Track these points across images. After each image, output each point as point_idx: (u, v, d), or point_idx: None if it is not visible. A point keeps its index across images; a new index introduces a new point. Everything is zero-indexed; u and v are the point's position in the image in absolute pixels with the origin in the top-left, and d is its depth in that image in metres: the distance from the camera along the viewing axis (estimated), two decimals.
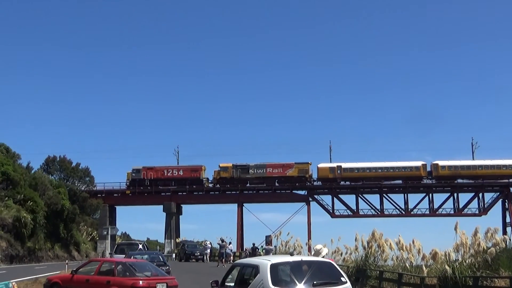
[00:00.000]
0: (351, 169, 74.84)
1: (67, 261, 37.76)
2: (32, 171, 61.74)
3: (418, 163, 74.91)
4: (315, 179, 76.59)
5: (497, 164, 73.20)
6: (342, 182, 76.09)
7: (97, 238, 70.97)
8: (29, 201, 49.85)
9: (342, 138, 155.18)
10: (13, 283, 9.27)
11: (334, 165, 74.95)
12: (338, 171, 74.19)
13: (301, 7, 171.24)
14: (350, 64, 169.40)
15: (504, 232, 63.31)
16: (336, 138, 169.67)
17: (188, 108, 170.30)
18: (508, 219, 72.57)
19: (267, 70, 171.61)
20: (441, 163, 74.42)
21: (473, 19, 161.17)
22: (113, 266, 15.85)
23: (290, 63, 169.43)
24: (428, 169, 74.87)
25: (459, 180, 74.31)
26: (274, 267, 8.43)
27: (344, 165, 74.73)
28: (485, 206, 74.15)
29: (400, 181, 75.51)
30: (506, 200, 73.24)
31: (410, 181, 74.72)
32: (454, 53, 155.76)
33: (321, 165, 75.31)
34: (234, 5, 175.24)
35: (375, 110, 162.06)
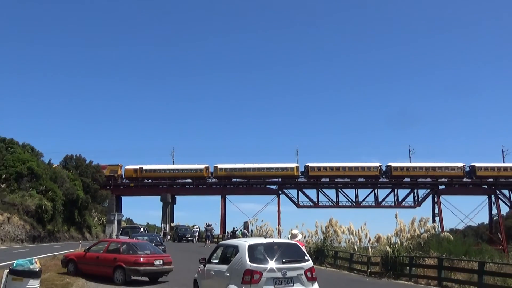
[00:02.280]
0: (151, 170, 74.95)
1: (80, 241, 37.22)
2: (53, 166, 60.76)
3: (202, 166, 75.16)
4: (124, 178, 76.21)
5: (263, 167, 74.17)
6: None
7: (106, 222, 70.06)
8: (49, 192, 49.20)
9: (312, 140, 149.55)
10: (36, 260, 9.08)
11: (137, 166, 74.79)
12: (141, 172, 74.32)
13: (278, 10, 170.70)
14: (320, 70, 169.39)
15: (434, 221, 64.09)
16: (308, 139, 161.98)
17: (184, 110, 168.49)
18: (436, 211, 73.64)
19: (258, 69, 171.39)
20: (219, 165, 74.94)
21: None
22: (119, 245, 15.72)
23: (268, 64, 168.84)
24: (212, 170, 75.38)
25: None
26: (251, 248, 8.45)
27: (145, 167, 75.01)
28: (419, 200, 75.21)
29: (190, 180, 75.93)
30: (435, 196, 74.35)
31: (197, 181, 75.36)
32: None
33: (127, 166, 74.63)
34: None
35: (354, 111, 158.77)
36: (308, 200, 75.69)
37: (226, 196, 75.81)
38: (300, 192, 75.66)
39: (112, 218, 62.16)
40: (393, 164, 74.32)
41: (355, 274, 19.04)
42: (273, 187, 75.80)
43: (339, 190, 75.80)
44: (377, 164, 74.39)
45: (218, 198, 76.15)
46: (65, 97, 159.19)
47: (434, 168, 73.66)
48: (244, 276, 7.97)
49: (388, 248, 17.72)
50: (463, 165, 73.99)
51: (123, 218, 70.25)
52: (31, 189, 47.28)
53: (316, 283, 8.40)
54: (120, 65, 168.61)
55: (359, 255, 20.37)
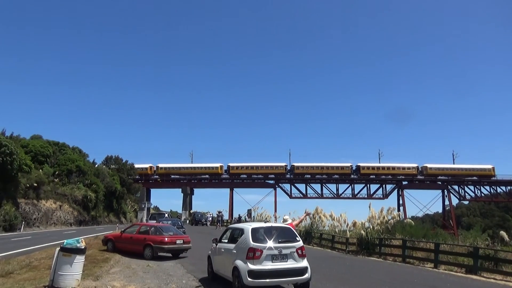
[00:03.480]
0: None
1: (117, 224, 37.15)
2: (96, 165, 60.78)
3: (147, 165, 73.96)
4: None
5: (193, 166, 73.99)
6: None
7: (138, 209, 69.99)
8: (93, 185, 49.20)
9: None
10: (82, 239, 9.05)
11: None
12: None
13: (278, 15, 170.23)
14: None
15: (398, 210, 63.37)
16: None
17: (203, 117, 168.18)
18: (401, 202, 73.36)
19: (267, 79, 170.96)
20: (161, 165, 74.03)
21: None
22: (148, 228, 15.65)
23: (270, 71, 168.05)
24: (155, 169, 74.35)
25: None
26: (253, 230, 8.40)
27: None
28: (387, 193, 74.86)
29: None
30: (400, 189, 74.04)
31: (145, 177, 73.34)
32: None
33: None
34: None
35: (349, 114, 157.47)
36: (298, 192, 75.63)
37: (234, 188, 75.63)
38: (292, 186, 75.44)
39: (143, 206, 62.25)
40: (296, 164, 73.96)
41: (336, 252, 18.91)
42: (271, 182, 75.57)
43: (323, 184, 75.63)
44: (283, 164, 74.31)
45: (227, 190, 76.08)
46: (108, 109, 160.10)
47: (327, 167, 73.36)
48: (248, 253, 7.96)
49: (362, 231, 17.65)
50: (359, 165, 73.73)
51: (152, 206, 70.21)
52: (78, 182, 47.32)
53: (305, 259, 8.35)
54: (150, 83, 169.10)
55: (339, 236, 20.26)
